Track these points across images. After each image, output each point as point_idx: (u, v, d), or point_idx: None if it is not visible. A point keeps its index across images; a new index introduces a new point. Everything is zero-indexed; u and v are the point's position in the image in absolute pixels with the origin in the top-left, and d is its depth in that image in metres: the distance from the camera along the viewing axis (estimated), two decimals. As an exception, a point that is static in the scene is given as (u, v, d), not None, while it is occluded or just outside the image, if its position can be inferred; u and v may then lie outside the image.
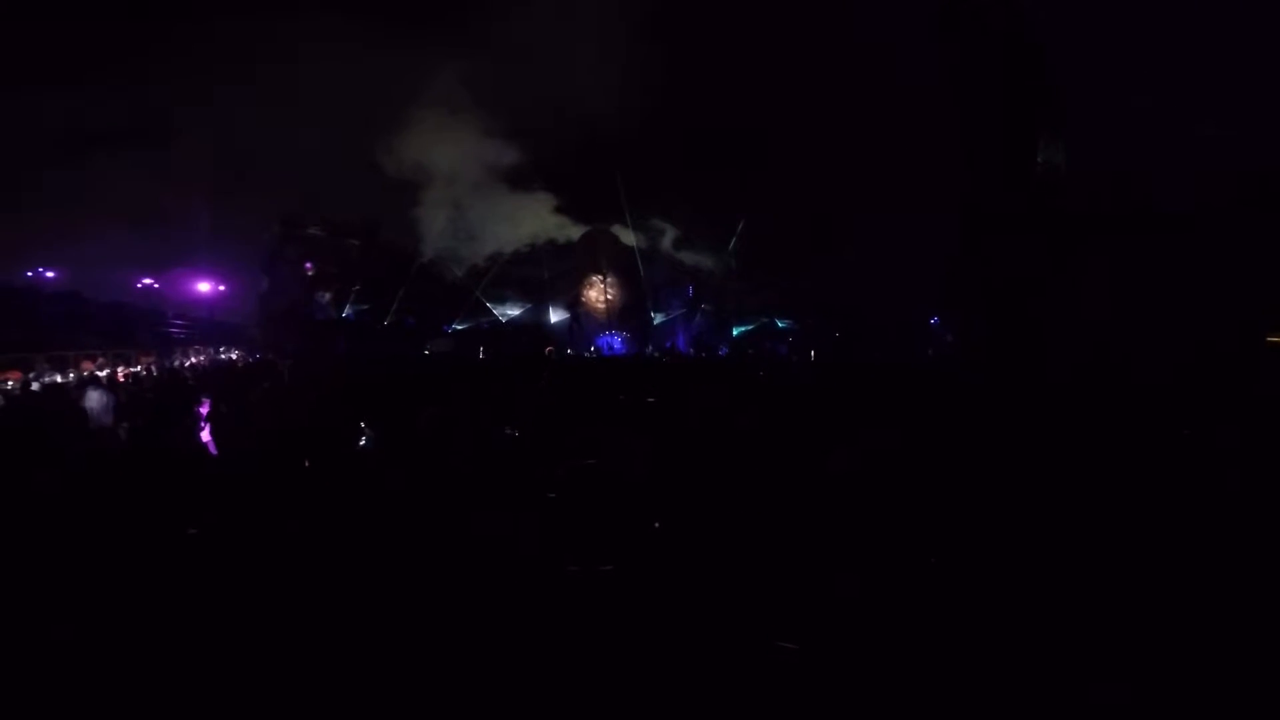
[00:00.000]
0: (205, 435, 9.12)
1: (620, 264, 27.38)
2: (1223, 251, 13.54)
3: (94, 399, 9.64)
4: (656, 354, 25.89)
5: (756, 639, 3.55)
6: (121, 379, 15.11)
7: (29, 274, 25.30)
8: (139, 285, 27.63)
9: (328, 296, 28.38)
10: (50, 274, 25.60)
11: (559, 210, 27.20)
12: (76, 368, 15.79)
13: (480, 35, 23.49)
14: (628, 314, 27.67)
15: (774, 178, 23.97)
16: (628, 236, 27.38)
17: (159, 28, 22.94)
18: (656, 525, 4.92)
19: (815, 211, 24.87)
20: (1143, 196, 15.52)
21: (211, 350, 25.06)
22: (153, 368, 18.28)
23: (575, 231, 27.61)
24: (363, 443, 6.36)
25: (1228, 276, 13.34)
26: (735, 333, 27.32)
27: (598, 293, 27.77)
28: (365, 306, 28.06)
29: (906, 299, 23.55)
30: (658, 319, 27.58)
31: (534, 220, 27.31)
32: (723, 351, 26.26)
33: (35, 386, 12.80)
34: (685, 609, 3.89)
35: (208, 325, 28.72)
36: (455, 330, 28.14)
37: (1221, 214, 14.17)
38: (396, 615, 3.98)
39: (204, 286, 28.65)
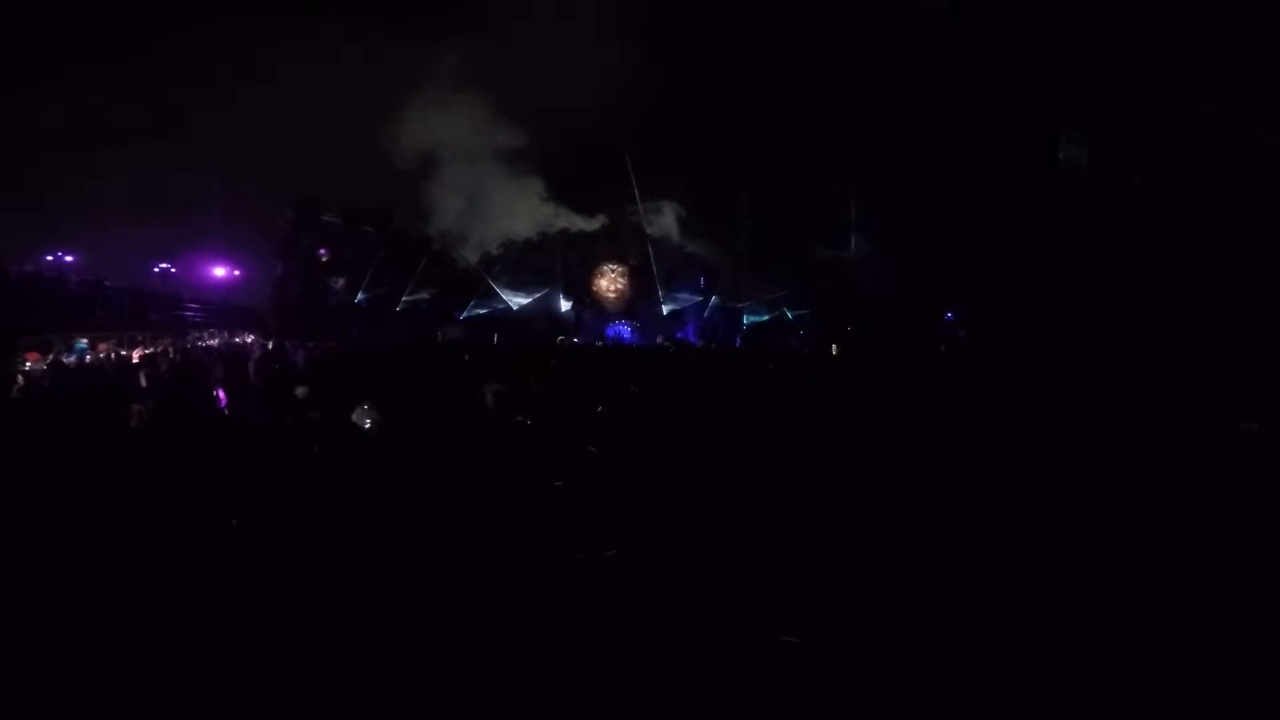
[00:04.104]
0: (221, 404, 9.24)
1: (642, 254, 27.32)
2: (1245, 251, 13.32)
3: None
4: (666, 344, 25.83)
5: (760, 632, 3.55)
6: (137, 360, 15.31)
7: (49, 258, 25.61)
8: (155, 270, 27.92)
9: (341, 282, 28.56)
10: (69, 258, 25.90)
11: (568, 198, 27.13)
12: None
13: (487, 23, 23.43)
14: (638, 303, 27.62)
15: (788, 170, 23.75)
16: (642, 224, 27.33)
17: (172, 24, 23.14)
18: (669, 499, 4.89)
19: (830, 204, 24.69)
20: (1163, 196, 15.26)
21: (226, 334, 25.33)
22: (169, 350, 18.51)
23: (582, 220, 27.55)
24: (367, 426, 6.39)
25: (1250, 276, 13.12)
26: (745, 323, 27.21)
27: (609, 281, 27.70)
28: (378, 292, 28.22)
29: (922, 293, 23.32)
30: (668, 309, 27.50)
31: (544, 208, 27.27)
32: (739, 342, 26.15)
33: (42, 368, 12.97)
34: (689, 599, 3.90)
35: (223, 309, 29.00)
36: (467, 317, 28.26)
37: (1245, 213, 13.92)
38: (407, 604, 4.01)
39: (219, 271, 28.90)
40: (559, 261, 27.83)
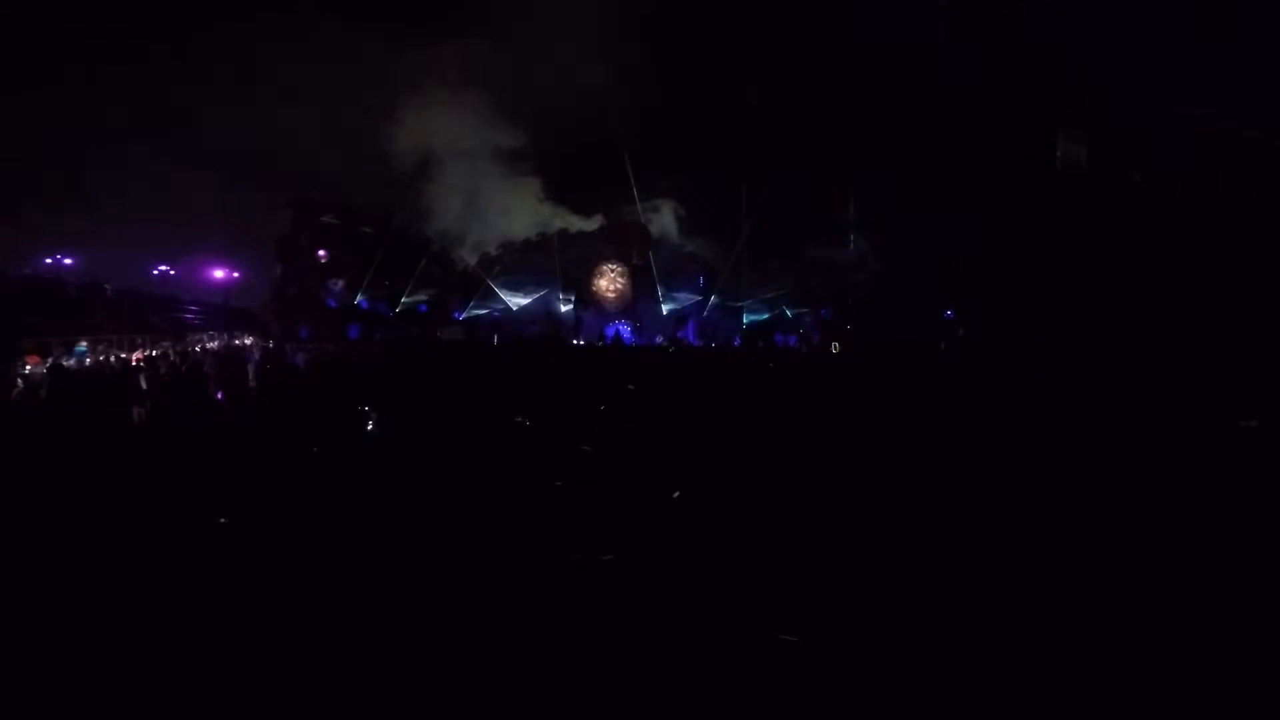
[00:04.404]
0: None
1: (641, 253, 27.30)
2: (1243, 250, 13.32)
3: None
4: (666, 344, 25.83)
5: (758, 631, 3.55)
6: (136, 362, 15.31)
7: (48, 260, 25.62)
8: (155, 272, 27.91)
9: (340, 284, 28.53)
10: (68, 261, 25.90)
11: (567, 198, 27.15)
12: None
13: (485, 24, 23.46)
14: (637, 303, 27.60)
15: (787, 169, 23.75)
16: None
17: (170, 26, 23.17)
18: (670, 499, 4.91)
19: (830, 204, 24.69)
20: (1162, 195, 15.27)
21: (226, 336, 25.33)
22: (169, 352, 18.51)
23: (581, 220, 27.55)
24: (369, 428, 6.41)
25: (1248, 274, 13.12)
26: (745, 322, 27.19)
27: (608, 281, 27.67)
28: (378, 294, 28.21)
29: (922, 292, 23.32)
30: (667, 308, 27.48)
31: (543, 209, 27.29)
32: (736, 342, 26.14)
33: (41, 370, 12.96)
34: (686, 599, 3.89)
35: (222, 312, 28.97)
36: (466, 318, 28.26)
37: (1243, 213, 13.92)
38: (405, 602, 4.01)
39: (219, 273, 28.89)
40: (558, 262, 27.81)
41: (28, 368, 12.74)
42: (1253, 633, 3.47)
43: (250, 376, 15.36)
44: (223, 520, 4.93)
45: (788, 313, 26.81)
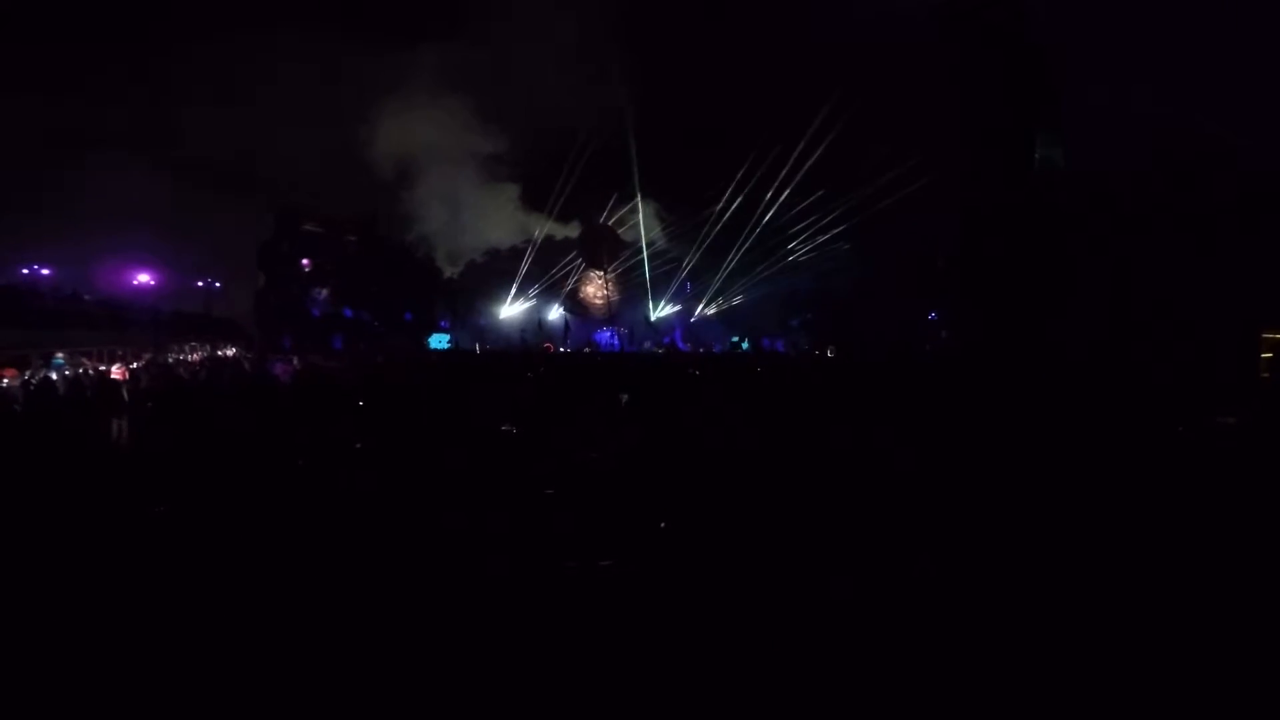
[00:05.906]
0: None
1: (615, 257, 27.32)
2: (1220, 250, 13.59)
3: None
4: (656, 349, 25.86)
5: (753, 634, 3.56)
6: (118, 374, 15.05)
7: (25, 270, 25.12)
8: (135, 282, 27.45)
9: (325, 293, 28.24)
10: (46, 271, 25.43)
11: (554, 205, 27.20)
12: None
13: (466, 32, 23.54)
14: (625, 310, 27.61)
15: (769, 175, 23.97)
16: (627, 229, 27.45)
17: (153, 34, 22.99)
18: (661, 525, 4.92)
19: (814, 209, 24.89)
20: (1140, 196, 15.56)
21: (208, 347, 24.98)
22: (150, 364, 18.20)
23: (568, 227, 27.60)
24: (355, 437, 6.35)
25: (1225, 274, 13.38)
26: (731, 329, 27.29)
27: (596, 288, 27.67)
28: (362, 303, 27.99)
29: (904, 295, 23.53)
30: (655, 314, 27.51)
31: (530, 216, 27.30)
32: (716, 348, 26.22)
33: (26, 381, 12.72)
34: (684, 605, 3.90)
35: (204, 321, 28.58)
36: (452, 326, 28.11)
37: (1220, 214, 14.21)
38: (398, 609, 3.97)
39: (199, 283, 28.51)
40: (546, 269, 27.78)
41: (4, 381, 12.48)
42: (1249, 630, 3.53)
43: (229, 386, 15.17)
44: (205, 525, 4.86)
45: (775, 329, 26.98)
